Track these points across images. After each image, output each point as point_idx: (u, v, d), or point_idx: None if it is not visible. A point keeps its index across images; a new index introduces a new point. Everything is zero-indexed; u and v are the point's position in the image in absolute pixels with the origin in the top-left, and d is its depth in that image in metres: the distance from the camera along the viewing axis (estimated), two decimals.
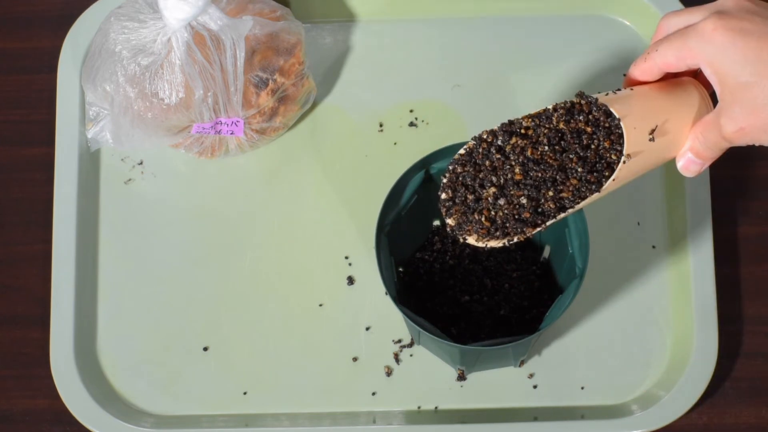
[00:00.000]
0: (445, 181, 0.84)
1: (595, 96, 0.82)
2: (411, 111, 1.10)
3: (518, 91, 1.11)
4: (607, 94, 0.82)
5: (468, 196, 0.83)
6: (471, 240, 0.84)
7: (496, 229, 0.83)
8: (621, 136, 0.81)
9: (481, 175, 0.83)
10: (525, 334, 0.92)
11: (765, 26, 0.76)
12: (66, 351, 1.03)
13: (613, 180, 0.81)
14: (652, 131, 0.81)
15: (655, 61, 0.81)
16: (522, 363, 1.03)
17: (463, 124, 1.10)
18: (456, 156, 0.84)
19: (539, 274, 1.04)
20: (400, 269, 1.04)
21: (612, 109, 0.81)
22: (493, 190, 0.83)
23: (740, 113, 0.77)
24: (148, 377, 1.05)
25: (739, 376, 1.05)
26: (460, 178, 0.84)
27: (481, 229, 0.83)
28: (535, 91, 1.10)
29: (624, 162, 0.81)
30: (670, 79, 0.84)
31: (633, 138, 0.81)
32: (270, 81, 1.03)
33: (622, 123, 0.81)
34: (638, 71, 0.83)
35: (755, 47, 0.75)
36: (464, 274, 1.03)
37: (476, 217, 0.83)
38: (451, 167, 0.84)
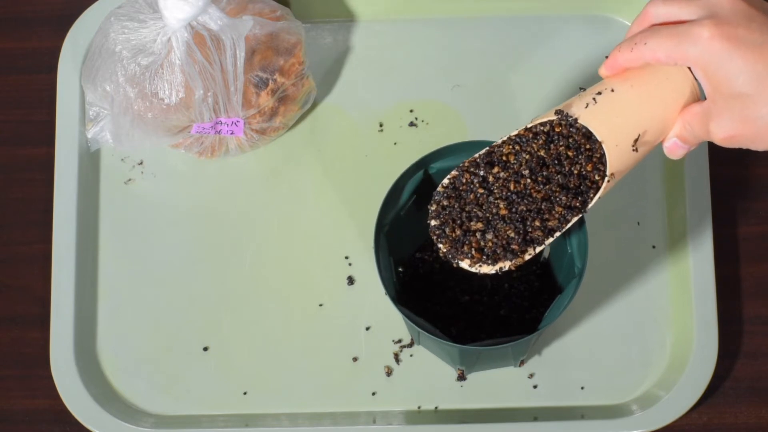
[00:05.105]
0: (432, 209, 0.84)
1: (574, 115, 0.81)
2: (411, 111, 1.10)
3: (518, 91, 1.11)
4: (587, 106, 0.82)
5: (456, 230, 0.83)
6: (464, 265, 0.84)
7: (487, 257, 0.83)
8: (603, 156, 0.81)
9: (467, 209, 0.84)
10: (525, 334, 0.92)
11: (761, 35, 0.75)
12: (66, 351, 1.03)
13: (599, 198, 0.82)
14: (635, 141, 0.81)
15: (643, 53, 0.79)
16: (522, 363, 1.03)
17: (463, 124, 1.10)
18: (439, 188, 0.84)
19: (539, 274, 1.04)
20: (400, 269, 1.04)
21: (592, 130, 0.81)
22: (480, 224, 0.83)
23: (730, 122, 0.77)
24: (148, 377, 1.05)
25: (739, 376, 1.05)
26: (446, 211, 0.84)
27: (471, 258, 0.83)
28: (535, 91, 1.10)
29: (608, 181, 0.81)
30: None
31: (615, 156, 0.81)
32: (270, 81, 1.03)
33: (603, 146, 0.81)
34: (623, 59, 0.81)
35: (750, 59, 0.74)
36: (464, 274, 1.03)
37: (466, 249, 0.83)
38: (436, 198, 0.84)
